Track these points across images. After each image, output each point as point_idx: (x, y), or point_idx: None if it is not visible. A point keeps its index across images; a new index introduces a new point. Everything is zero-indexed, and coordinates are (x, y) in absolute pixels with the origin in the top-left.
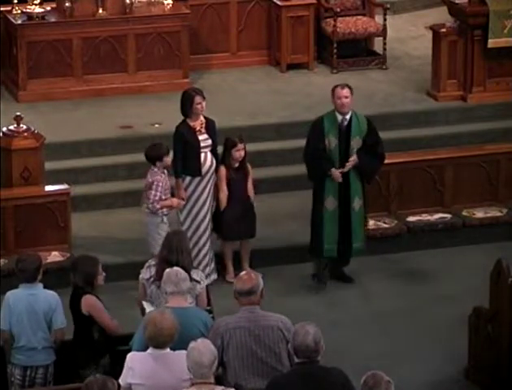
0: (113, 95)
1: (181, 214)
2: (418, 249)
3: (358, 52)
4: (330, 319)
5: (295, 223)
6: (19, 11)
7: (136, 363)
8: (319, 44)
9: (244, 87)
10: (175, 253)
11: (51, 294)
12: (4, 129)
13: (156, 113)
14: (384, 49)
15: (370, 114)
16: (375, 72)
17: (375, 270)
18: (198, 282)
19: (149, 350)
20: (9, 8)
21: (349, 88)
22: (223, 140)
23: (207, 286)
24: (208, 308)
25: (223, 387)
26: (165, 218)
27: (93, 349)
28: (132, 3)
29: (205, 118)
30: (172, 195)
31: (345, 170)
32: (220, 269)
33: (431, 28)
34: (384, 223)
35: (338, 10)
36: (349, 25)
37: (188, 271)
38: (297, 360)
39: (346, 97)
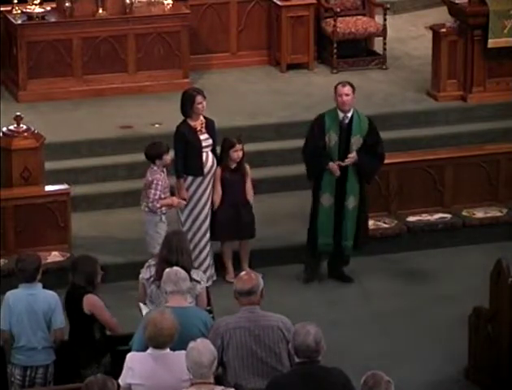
0: (113, 95)
1: (182, 215)
2: (418, 249)
3: (358, 52)
4: (330, 319)
5: (295, 223)
6: (19, 11)
7: (136, 363)
8: (319, 44)
9: (244, 87)
10: (174, 253)
11: (51, 294)
12: (4, 129)
13: (156, 113)
14: (384, 49)
15: (370, 114)
16: (375, 72)
17: (375, 270)
18: (198, 282)
19: (149, 350)
20: (9, 8)
21: (351, 86)
22: (222, 140)
23: (207, 286)
24: (208, 308)
25: (222, 387)
26: (164, 217)
27: (95, 349)
28: (132, 3)
29: (204, 118)
30: (172, 194)
31: (343, 164)
32: (220, 269)
33: (431, 28)
34: (384, 223)
35: (338, 10)
36: (349, 25)
37: (188, 271)
38: (297, 360)
39: (347, 95)
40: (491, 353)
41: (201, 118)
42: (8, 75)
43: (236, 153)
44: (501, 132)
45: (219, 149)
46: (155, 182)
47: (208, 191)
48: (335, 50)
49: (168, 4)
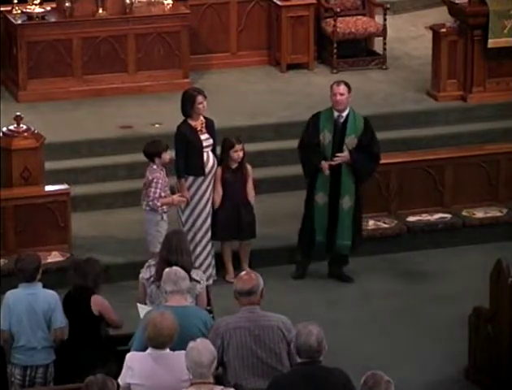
0: (113, 95)
1: (183, 215)
2: (418, 249)
3: (358, 52)
4: (330, 319)
5: (295, 223)
6: (19, 11)
7: (136, 363)
8: (319, 44)
9: (244, 87)
10: (174, 253)
11: (51, 293)
12: (4, 129)
13: (156, 113)
14: (384, 49)
15: (369, 114)
16: (375, 72)
17: (374, 270)
18: (198, 282)
19: (149, 350)
20: (9, 8)
21: (347, 85)
22: (222, 140)
23: (207, 286)
24: (208, 308)
25: (222, 387)
26: (165, 216)
27: (100, 348)
28: (132, 3)
29: (204, 117)
30: (172, 194)
31: (333, 163)
32: (220, 269)
33: (431, 28)
34: (384, 223)
35: (338, 10)
36: (349, 25)
37: (188, 271)
38: (299, 360)
39: (342, 95)
40: (491, 353)
41: (202, 118)
42: (8, 75)
43: (236, 154)
44: (501, 132)
45: (218, 150)
46: (155, 180)
47: (209, 191)
48: (335, 50)
49: (168, 4)
